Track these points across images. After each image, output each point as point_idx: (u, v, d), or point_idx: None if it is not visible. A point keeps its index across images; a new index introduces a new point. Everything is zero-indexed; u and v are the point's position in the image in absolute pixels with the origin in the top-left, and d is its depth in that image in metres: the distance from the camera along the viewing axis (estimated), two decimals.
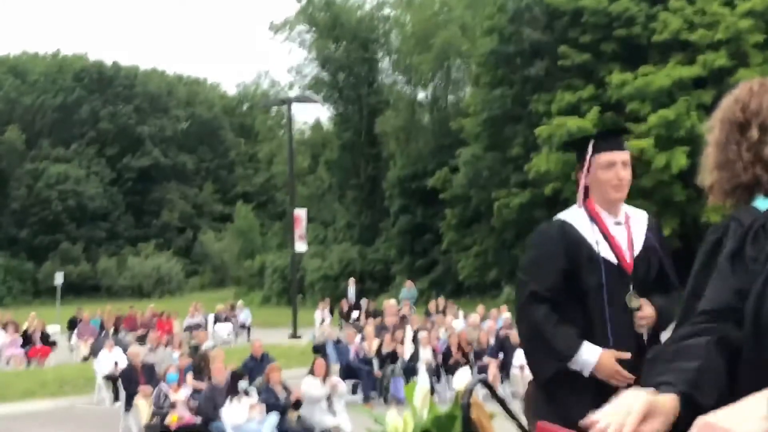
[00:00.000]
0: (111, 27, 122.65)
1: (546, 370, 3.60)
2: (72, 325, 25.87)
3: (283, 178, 46.61)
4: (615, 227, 3.72)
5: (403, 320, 20.55)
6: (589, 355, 3.53)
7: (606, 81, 28.84)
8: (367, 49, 45.65)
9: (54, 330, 25.38)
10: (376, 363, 15.56)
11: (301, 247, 28.63)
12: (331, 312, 28.07)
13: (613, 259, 3.65)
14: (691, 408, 1.57)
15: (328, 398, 11.86)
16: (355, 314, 26.56)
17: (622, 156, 3.74)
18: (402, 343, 16.28)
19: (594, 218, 3.72)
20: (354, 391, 15.12)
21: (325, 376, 12.03)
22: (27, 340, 22.91)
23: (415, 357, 15.37)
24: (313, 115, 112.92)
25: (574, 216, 3.76)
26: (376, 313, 24.08)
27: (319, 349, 16.36)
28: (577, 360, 3.54)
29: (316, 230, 45.71)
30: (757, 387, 1.55)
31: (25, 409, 15.63)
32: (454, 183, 35.44)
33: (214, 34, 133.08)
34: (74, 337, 24.47)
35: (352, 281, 31.16)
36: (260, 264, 48.73)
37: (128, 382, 13.31)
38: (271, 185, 61.88)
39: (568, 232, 3.70)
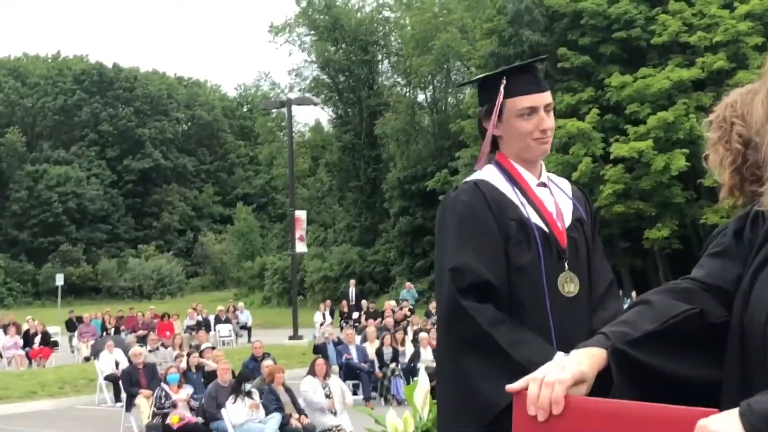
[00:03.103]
0: (111, 29, 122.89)
1: (500, 397, 2.20)
2: (69, 326, 25.98)
3: (283, 179, 46.63)
4: (539, 189, 2.83)
5: (403, 321, 20.65)
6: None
7: (605, 83, 28.90)
8: (367, 51, 45.71)
9: (55, 331, 25.47)
10: (376, 363, 15.64)
11: (301, 248, 28.69)
12: (332, 313, 28.16)
13: (545, 227, 2.75)
14: (626, 363, 1.60)
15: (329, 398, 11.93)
16: (355, 315, 26.64)
17: (545, 99, 2.82)
18: (402, 343, 16.37)
19: (512, 176, 2.82)
20: (354, 392, 15.19)
21: (326, 376, 12.09)
22: (28, 340, 22.98)
23: (415, 357, 15.44)
24: (313, 117, 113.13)
25: (489, 174, 2.85)
26: (377, 314, 24.19)
27: (319, 350, 16.43)
28: None
29: (316, 232, 45.77)
30: (742, 366, 1.62)
31: (26, 410, 15.70)
32: (453, 185, 35.38)
33: (214, 36, 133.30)
34: (75, 337, 24.57)
35: (352, 282, 31.23)
36: (260, 265, 48.78)
37: (129, 382, 13.38)
38: (271, 187, 61.91)
39: (487, 192, 2.76)
